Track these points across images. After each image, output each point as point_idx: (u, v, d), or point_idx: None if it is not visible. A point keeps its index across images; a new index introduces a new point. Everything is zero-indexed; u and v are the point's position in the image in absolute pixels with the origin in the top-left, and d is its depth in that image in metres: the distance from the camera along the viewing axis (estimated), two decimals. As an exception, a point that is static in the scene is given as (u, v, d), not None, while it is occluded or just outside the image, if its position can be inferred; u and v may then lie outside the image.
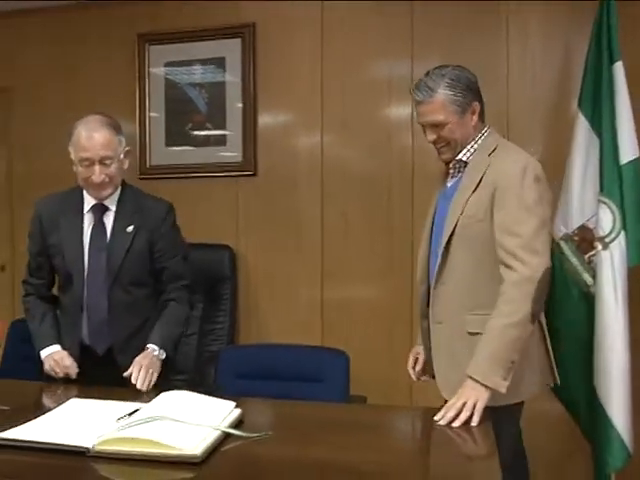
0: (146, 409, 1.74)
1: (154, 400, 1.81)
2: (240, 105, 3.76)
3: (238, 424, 1.76)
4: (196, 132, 3.86)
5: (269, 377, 2.53)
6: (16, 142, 4.27)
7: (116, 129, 2.32)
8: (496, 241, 2.01)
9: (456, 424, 1.80)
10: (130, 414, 1.73)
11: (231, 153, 3.79)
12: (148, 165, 3.92)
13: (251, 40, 3.73)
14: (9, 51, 4.25)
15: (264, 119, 3.77)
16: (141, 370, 2.21)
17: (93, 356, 2.35)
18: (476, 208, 2.05)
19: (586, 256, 2.73)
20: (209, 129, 3.84)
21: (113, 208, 2.37)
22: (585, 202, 2.74)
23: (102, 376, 2.25)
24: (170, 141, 3.90)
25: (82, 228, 2.35)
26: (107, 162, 2.27)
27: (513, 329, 1.93)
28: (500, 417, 1.90)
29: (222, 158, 3.81)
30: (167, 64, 3.90)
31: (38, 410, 1.84)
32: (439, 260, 2.11)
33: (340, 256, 3.64)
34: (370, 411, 2.25)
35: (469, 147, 2.14)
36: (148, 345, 2.31)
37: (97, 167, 2.25)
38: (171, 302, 2.43)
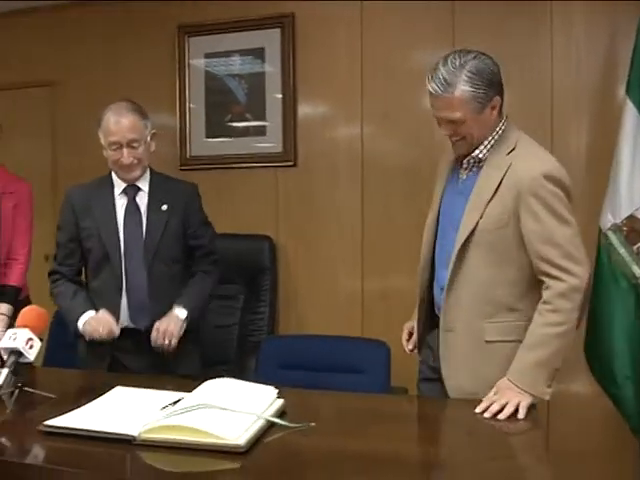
0: (190, 397, 1.74)
1: (198, 388, 1.82)
2: (279, 96, 3.75)
3: (281, 414, 1.75)
4: (236, 123, 3.87)
5: (310, 368, 2.53)
6: (60, 135, 4.34)
7: (142, 113, 2.44)
8: (532, 251, 1.93)
9: (501, 417, 1.78)
10: (174, 403, 1.74)
11: (271, 144, 3.78)
12: (188, 156, 3.95)
13: (290, 30, 3.71)
14: (52, 47, 4.31)
15: (304, 109, 3.76)
16: (159, 333, 2.34)
17: (132, 339, 2.41)
18: (499, 212, 1.95)
19: (634, 247, 2.66)
20: (249, 120, 3.84)
21: (145, 189, 2.48)
22: (634, 191, 2.67)
23: (142, 357, 2.36)
24: (210, 132, 3.92)
25: (115, 208, 2.46)
26: (134, 145, 2.40)
27: (561, 339, 1.90)
28: None
29: (262, 149, 3.81)
30: (207, 55, 3.91)
31: (83, 398, 1.86)
32: (451, 265, 2.00)
33: (380, 247, 3.61)
34: (411, 402, 2.22)
35: (486, 143, 2.02)
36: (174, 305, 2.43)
37: (125, 150, 2.39)
38: (199, 273, 2.55)
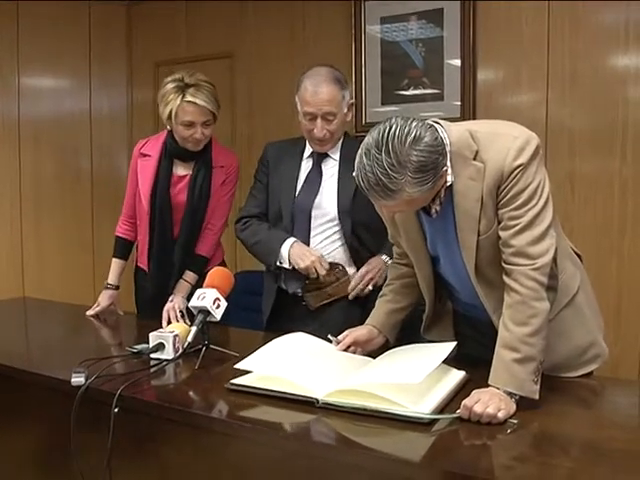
0: (377, 363, 1.72)
1: (385, 354, 1.80)
2: (458, 60, 3.60)
3: (463, 386, 1.68)
4: (412, 89, 3.77)
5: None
6: (238, 105, 4.46)
7: (341, 83, 2.34)
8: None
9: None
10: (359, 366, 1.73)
11: (449, 111, 3.65)
12: (364, 122, 3.91)
13: (471, -12, 3.54)
14: (231, 18, 4.43)
15: (484, 74, 3.58)
16: (364, 277, 2.35)
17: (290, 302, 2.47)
18: (490, 220, 1.71)
19: None
20: (426, 85, 3.72)
21: (335, 156, 2.44)
22: None
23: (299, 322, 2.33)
24: (385, 99, 3.85)
25: (299, 170, 2.45)
26: (329, 118, 2.32)
27: None
28: None
29: (439, 116, 3.68)
30: (383, 20, 3.83)
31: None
32: (480, 292, 1.78)
33: (564, 219, 3.39)
34: (598, 385, 2.04)
35: (448, 171, 1.69)
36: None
37: (319, 121, 2.32)
38: None
